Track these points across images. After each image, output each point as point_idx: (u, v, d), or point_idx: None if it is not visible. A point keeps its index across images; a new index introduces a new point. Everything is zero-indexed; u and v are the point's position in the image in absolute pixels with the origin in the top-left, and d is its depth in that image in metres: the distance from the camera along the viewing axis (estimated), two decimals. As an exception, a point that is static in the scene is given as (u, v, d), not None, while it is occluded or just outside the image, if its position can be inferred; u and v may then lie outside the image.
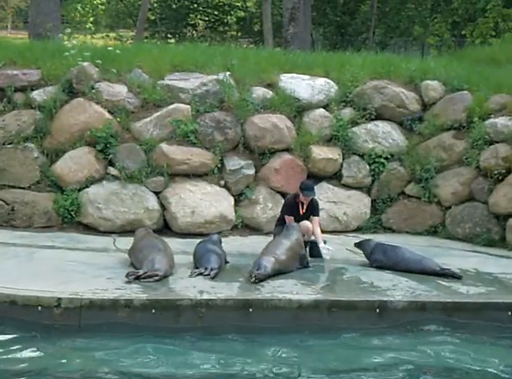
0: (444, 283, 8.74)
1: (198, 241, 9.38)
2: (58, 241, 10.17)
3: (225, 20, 30.04)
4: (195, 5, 29.30)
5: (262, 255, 8.85)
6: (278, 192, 11.47)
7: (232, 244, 10.39)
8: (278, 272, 8.68)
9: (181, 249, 9.66)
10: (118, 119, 11.18)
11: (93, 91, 11.26)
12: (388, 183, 11.90)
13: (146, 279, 8.17)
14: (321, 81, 12.25)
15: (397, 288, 8.45)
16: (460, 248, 10.88)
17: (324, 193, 11.61)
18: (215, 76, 11.73)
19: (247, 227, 11.35)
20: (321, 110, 12.03)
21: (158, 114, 11.29)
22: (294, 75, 12.31)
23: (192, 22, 29.62)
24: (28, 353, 6.90)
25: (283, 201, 10.64)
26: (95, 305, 7.54)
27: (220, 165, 11.34)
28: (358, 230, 11.77)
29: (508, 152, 11.12)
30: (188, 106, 11.35)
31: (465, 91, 12.19)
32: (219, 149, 11.27)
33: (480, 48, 19.11)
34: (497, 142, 11.32)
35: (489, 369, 6.97)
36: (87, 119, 11.07)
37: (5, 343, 7.09)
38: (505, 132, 11.29)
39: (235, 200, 11.34)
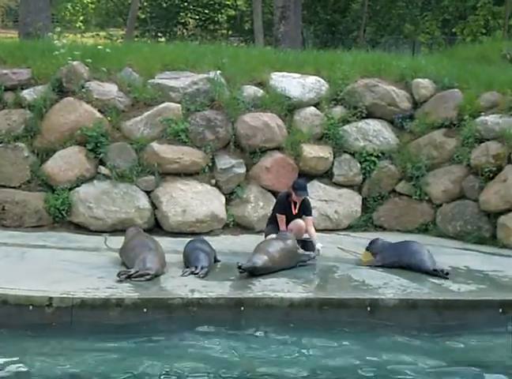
0: (435, 280, 8.75)
1: (189, 240, 9.39)
2: (49, 240, 10.14)
3: (216, 19, 30.03)
4: (185, 4, 29.29)
5: (256, 252, 8.86)
6: (269, 190, 11.47)
7: (224, 243, 10.39)
8: (269, 271, 8.69)
9: (172, 248, 9.64)
10: (109, 118, 11.16)
11: (83, 90, 11.23)
12: (379, 181, 11.92)
13: (137, 278, 8.16)
14: (311, 80, 12.26)
15: (389, 286, 8.46)
16: (451, 246, 10.90)
17: (315, 192, 11.61)
18: (205, 75, 11.71)
19: (238, 226, 11.35)
20: (312, 108, 12.03)
21: (149, 113, 11.27)
22: (285, 73, 12.31)
23: (182, 21, 29.60)
24: (19, 352, 6.88)
25: (274, 200, 10.65)
26: (86, 305, 7.53)
27: (211, 164, 11.34)
28: (349, 228, 11.79)
29: (499, 150, 11.15)
30: (179, 105, 11.34)
31: (456, 89, 12.21)
32: (210, 148, 11.27)
33: (470, 46, 19.16)
34: (488, 140, 11.35)
35: (480, 367, 7.00)
36: (77, 118, 11.04)
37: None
38: (495, 129, 11.31)
39: (226, 199, 11.34)
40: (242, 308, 7.72)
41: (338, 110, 12.11)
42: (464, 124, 11.64)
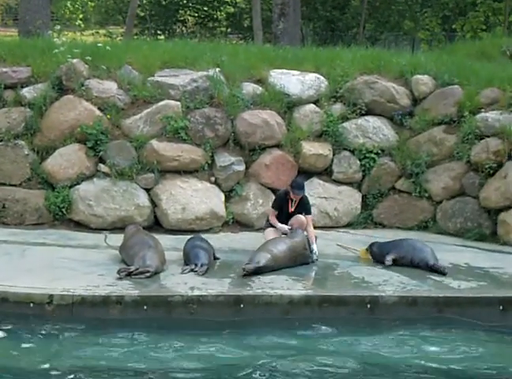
0: (435, 277, 8.76)
1: (188, 237, 9.40)
2: (50, 238, 10.15)
3: (215, 16, 29.98)
4: (185, 1, 29.24)
5: (259, 250, 8.87)
6: (269, 188, 11.46)
7: (223, 240, 10.40)
8: (272, 269, 8.70)
9: (172, 245, 9.65)
10: (109, 116, 11.15)
11: (83, 88, 11.23)
12: (379, 178, 11.90)
13: (137, 275, 8.19)
14: (311, 77, 12.24)
15: (388, 283, 8.47)
16: (451, 243, 10.89)
17: (314, 189, 11.61)
18: (205, 73, 11.70)
19: (238, 224, 11.35)
20: (312, 105, 12.02)
21: (148, 110, 11.27)
22: (284, 71, 12.29)
23: (182, 18, 29.57)
24: (19, 349, 6.89)
25: (274, 197, 10.65)
26: (86, 302, 7.55)
27: (210, 161, 11.34)
28: (349, 225, 11.77)
29: (499, 146, 11.14)
30: (178, 103, 11.33)
31: (456, 86, 12.19)
32: (209, 145, 11.26)
33: (470, 42, 19.12)
34: (488, 136, 11.33)
35: (479, 365, 7.01)
36: (77, 116, 11.04)
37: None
38: (496, 126, 11.30)
39: (226, 196, 11.33)
40: (242, 305, 7.73)
41: (338, 108, 12.10)
42: (464, 120, 11.63)
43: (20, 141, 11.05)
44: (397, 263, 9.18)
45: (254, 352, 7.04)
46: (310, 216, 9.89)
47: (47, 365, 6.58)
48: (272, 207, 10.02)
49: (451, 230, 11.39)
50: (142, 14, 28.26)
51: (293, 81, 12.07)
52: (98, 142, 10.96)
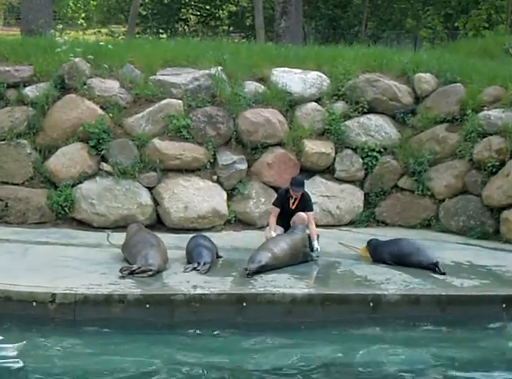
0: (438, 276, 8.74)
1: (191, 236, 9.40)
2: (52, 237, 10.16)
3: (217, 15, 30.00)
4: (186, 0, 29.27)
5: (259, 250, 8.87)
6: (271, 186, 11.46)
7: (225, 239, 10.40)
8: (274, 268, 8.70)
9: (174, 244, 9.66)
10: (111, 115, 11.16)
11: (85, 86, 11.23)
12: (381, 176, 11.89)
13: (140, 274, 8.19)
14: (313, 75, 12.24)
15: (391, 282, 8.46)
16: (453, 241, 10.89)
17: (317, 187, 11.61)
18: (207, 71, 11.70)
19: (240, 222, 11.35)
20: (314, 103, 12.01)
21: (150, 109, 11.27)
22: (286, 69, 12.29)
23: (184, 17, 29.59)
24: (22, 348, 6.90)
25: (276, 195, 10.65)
26: (89, 301, 7.56)
27: (212, 160, 11.33)
28: (351, 223, 11.76)
29: (501, 145, 11.12)
30: (180, 102, 11.33)
31: (458, 84, 12.18)
32: (211, 144, 11.26)
33: (472, 40, 19.11)
34: (490, 134, 11.31)
35: (481, 362, 7.01)
36: (79, 115, 11.05)
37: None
38: (498, 124, 11.28)
39: (228, 195, 11.33)
40: (244, 304, 7.73)
41: (340, 106, 12.09)
42: (467, 119, 11.61)
43: (23, 140, 11.06)
44: (393, 261, 9.18)
45: (254, 351, 7.04)
46: (311, 213, 9.88)
47: (49, 364, 6.59)
48: (274, 205, 10.02)
49: (454, 228, 11.38)
50: (144, 13, 28.28)
51: (295, 80, 12.07)
52: (100, 141, 10.96)
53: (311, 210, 9.91)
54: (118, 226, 10.67)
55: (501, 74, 12.21)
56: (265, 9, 23.65)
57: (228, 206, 11.24)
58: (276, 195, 10.67)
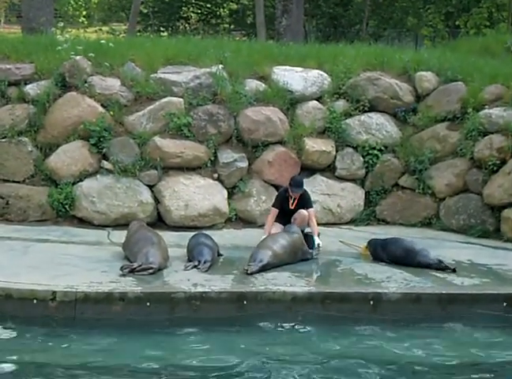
0: (439, 274, 8.75)
1: (192, 234, 9.40)
2: (53, 234, 10.17)
3: (218, 13, 29.98)
4: (187, -2, 29.28)
5: (259, 248, 8.86)
6: (272, 185, 11.46)
7: (226, 237, 10.40)
8: (275, 266, 8.70)
9: (175, 242, 9.66)
10: (112, 113, 11.16)
11: (86, 84, 11.24)
12: (382, 175, 11.89)
13: (140, 272, 8.19)
14: (314, 73, 12.23)
15: (392, 280, 8.46)
16: (454, 239, 10.88)
17: (317, 186, 11.61)
18: (208, 69, 11.70)
19: (241, 220, 11.35)
20: (315, 102, 12.01)
21: (151, 107, 11.27)
22: (287, 67, 12.29)
23: (185, 15, 29.57)
24: (23, 346, 6.90)
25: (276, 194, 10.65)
26: (89, 299, 7.56)
27: (213, 158, 11.34)
28: (352, 222, 11.76)
29: (502, 143, 11.11)
30: (181, 100, 11.33)
31: (459, 82, 12.17)
32: (212, 142, 11.26)
33: (474, 38, 19.08)
34: (491, 133, 11.31)
35: (483, 361, 7.00)
36: (80, 113, 11.05)
37: (0, 336, 7.10)
38: (499, 122, 11.28)
39: (229, 193, 11.34)
40: (245, 302, 7.73)
41: (341, 104, 12.09)
42: (468, 117, 11.61)
43: (24, 138, 11.07)
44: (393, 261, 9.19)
45: (256, 349, 7.05)
46: (312, 210, 9.89)
47: (49, 362, 6.59)
48: (273, 206, 10.02)
49: (454, 226, 11.38)
50: (145, 11, 28.27)
51: (296, 78, 12.06)
52: (101, 139, 10.96)
53: (311, 207, 9.92)
54: (119, 224, 10.68)
55: (502, 72, 12.20)
56: (266, 7, 23.64)
57: (229, 204, 11.25)
58: (276, 193, 10.67)
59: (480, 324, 7.87)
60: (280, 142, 11.64)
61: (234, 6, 30.34)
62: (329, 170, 11.94)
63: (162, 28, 28.22)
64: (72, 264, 8.59)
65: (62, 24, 16.16)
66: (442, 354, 7.13)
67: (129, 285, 7.83)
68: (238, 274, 8.43)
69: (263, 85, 11.87)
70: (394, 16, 27.98)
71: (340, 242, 10.26)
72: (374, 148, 11.90)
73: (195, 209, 10.94)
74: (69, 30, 19.99)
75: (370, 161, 11.88)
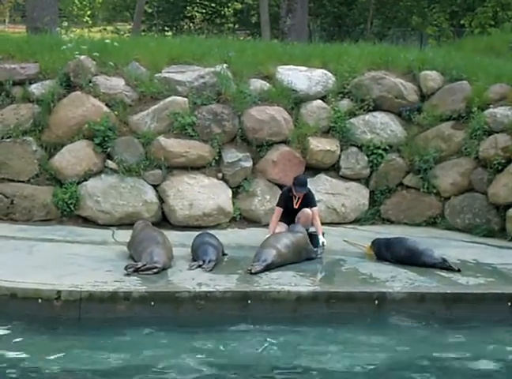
0: (444, 274, 8.73)
1: (196, 233, 9.41)
2: (58, 234, 10.18)
3: (222, 13, 30.01)
4: (192, -2, 29.30)
5: (263, 247, 8.86)
6: (276, 184, 11.45)
7: (230, 236, 10.40)
8: (279, 265, 8.70)
9: (179, 241, 9.66)
10: (116, 112, 11.16)
11: (91, 84, 11.24)
12: (386, 174, 11.87)
13: (145, 271, 8.19)
14: (318, 73, 12.22)
15: (396, 279, 8.46)
16: (459, 239, 10.86)
17: (322, 185, 11.60)
18: (212, 69, 11.69)
19: (245, 220, 11.35)
20: (319, 101, 11.99)
21: (155, 106, 11.27)
22: (291, 67, 12.27)
23: (189, 14, 29.60)
24: (27, 345, 6.91)
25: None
26: (94, 298, 7.56)
27: (217, 157, 11.34)
28: (356, 221, 11.74)
29: (508, 142, 11.09)
30: (185, 99, 11.33)
31: (464, 81, 12.15)
32: (216, 142, 11.26)
33: (478, 38, 19.06)
34: (496, 132, 11.29)
35: (487, 361, 6.99)
36: (84, 113, 11.06)
37: (6, 335, 7.10)
38: (504, 122, 11.25)
39: (233, 192, 11.33)
40: (249, 301, 7.73)
41: (345, 103, 12.07)
42: (473, 116, 11.59)
43: (29, 138, 11.08)
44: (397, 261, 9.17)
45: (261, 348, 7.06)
46: (315, 208, 9.90)
47: (54, 361, 6.59)
48: (277, 205, 10.01)
49: (459, 226, 11.36)
50: (150, 11, 28.29)
51: (300, 77, 12.05)
52: (105, 138, 10.97)
53: (315, 206, 9.92)
54: (124, 223, 10.68)
55: (507, 72, 12.18)
56: (271, 7, 23.66)
57: (233, 204, 11.24)
58: (281, 193, 10.67)
59: (484, 324, 7.85)
60: (285, 141, 11.63)
61: (238, 6, 30.35)
62: (333, 169, 11.92)
63: (166, 28, 28.26)
64: (77, 263, 8.60)
65: (66, 24, 16.19)
66: (445, 353, 7.11)
67: (134, 284, 7.84)
68: (242, 273, 8.43)
69: (267, 85, 11.86)
70: (399, 16, 27.96)
71: (345, 241, 10.25)
72: (378, 148, 11.88)
73: (199, 209, 10.93)
74: (74, 29, 20.05)
75: (375, 160, 11.87)
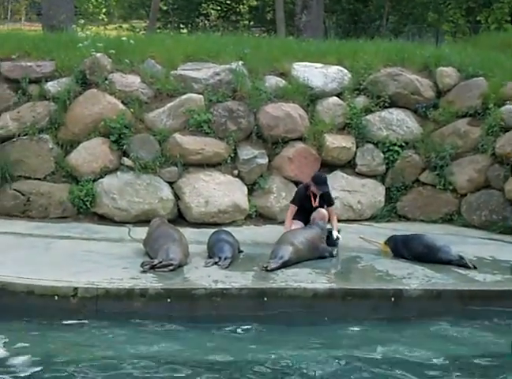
0: (460, 271, 8.70)
1: (212, 231, 9.42)
2: (74, 231, 10.21)
3: (237, 10, 29.96)
4: (207, -5, 29.27)
5: (280, 243, 8.85)
6: (292, 181, 11.44)
7: (246, 233, 10.39)
8: (295, 262, 8.69)
9: (195, 238, 9.67)
10: (132, 110, 11.19)
11: (106, 82, 11.27)
12: (402, 171, 11.84)
13: (161, 268, 8.21)
14: (334, 69, 12.19)
15: (413, 277, 8.43)
16: (476, 236, 10.82)
17: (338, 182, 11.57)
18: (228, 66, 11.70)
19: (261, 217, 11.34)
20: (335, 98, 11.96)
21: (171, 104, 11.29)
22: (307, 63, 12.25)
23: (204, 12, 29.57)
24: (44, 343, 6.94)
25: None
26: (110, 295, 7.59)
27: (233, 155, 11.34)
28: (372, 218, 11.71)
29: (524, 139, 11.05)
30: (201, 96, 11.34)
31: (480, 78, 12.09)
32: (232, 139, 11.26)
33: (495, 34, 18.94)
34: (513, 129, 11.25)
35: (505, 359, 6.95)
36: (101, 110, 11.09)
37: (23, 332, 7.14)
38: (521, 118, 11.21)
39: (249, 189, 11.33)
40: (265, 298, 7.73)
41: (361, 100, 12.04)
42: (489, 113, 11.53)
43: (45, 135, 11.12)
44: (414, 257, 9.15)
45: (276, 346, 7.05)
46: (332, 207, 9.92)
47: (70, 358, 6.62)
48: (292, 202, 10.00)
49: (476, 222, 11.31)
50: (165, 8, 28.29)
51: (316, 74, 12.03)
52: (121, 136, 11.00)
53: (333, 204, 9.94)
54: (140, 220, 10.71)
55: (524, 68, 12.11)
56: (286, 4, 23.59)
57: (249, 201, 11.24)
58: (296, 190, 10.65)
59: (502, 321, 7.82)
60: (300, 138, 11.62)
61: (253, 3, 30.29)
62: (349, 166, 11.89)
63: (182, 25, 28.23)
64: (93, 260, 8.63)
65: (82, 22, 16.24)
66: (461, 351, 7.09)
67: (150, 281, 7.86)
68: (258, 270, 8.43)
69: (283, 81, 11.84)
70: (415, 12, 27.80)
71: (361, 238, 10.23)
72: (394, 144, 11.84)
73: (215, 206, 10.94)
74: (90, 27, 20.12)
75: (391, 157, 11.83)
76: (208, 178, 11.12)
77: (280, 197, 11.32)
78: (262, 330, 7.42)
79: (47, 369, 6.37)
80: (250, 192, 11.34)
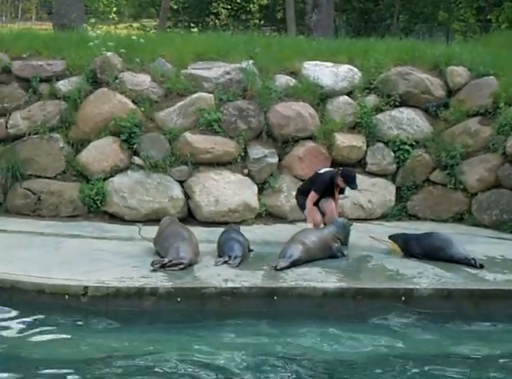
0: (470, 270, 8.67)
1: (222, 229, 9.42)
2: (84, 230, 10.24)
3: (248, 9, 30.00)
4: (217, -6, 29.31)
5: (290, 243, 8.85)
6: (302, 180, 11.42)
7: (256, 232, 10.39)
8: (306, 261, 8.68)
9: (205, 237, 9.68)
10: (142, 109, 11.20)
11: (117, 80, 11.29)
12: (413, 170, 11.81)
13: (171, 267, 8.21)
14: (344, 68, 12.18)
15: (423, 276, 8.41)
16: (486, 235, 10.79)
17: (348, 181, 11.56)
18: (238, 65, 11.70)
19: (271, 216, 11.35)
20: (345, 97, 11.95)
21: (181, 103, 11.30)
22: (317, 62, 12.24)
23: (214, 11, 29.62)
24: (55, 341, 6.97)
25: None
26: (121, 294, 7.60)
27: (243, 154, 11.34)
28: (382, 217, 11.70)
29: (535, 138, 11.01)
30: (211, 95, 11.35)
31: (491, 77, 12.05)
32: (242, 138, 11.26)
33: (505, 33, 18.90)
34: (524, 128, 11.21)
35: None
36: (111, 109, 11.11)
37: (33, 331, 7.17)
38: (532, 117, 11.18)
39: (259, 188, 11.33)
40: (275, 297, 7.73)
41: (371, 99, 12.02)
42: (500, 112, 11.50)
43: (55, 134, 11.16)
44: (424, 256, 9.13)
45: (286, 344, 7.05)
46: (340, 196, 10.26)
47: (81, 356, 6.63)
48: (316, 191, 9.90)
49: (486, 222, 11.28)
50: (175, 7, 28.34)
51: (326, 73, 12.02)
52: (132, 135, 11.02)
53: (343, 193, 10.26)
54: (150, 219, 10.73)
55: (535, 67, 12.07)
56: (296, 3, 23.60)
57: (259, 200, 11.25)
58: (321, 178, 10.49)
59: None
60: (311, 137, 11.62)
61: (264, 1, 30.31)
62: (359, 165, 11.88)
63: (192, 24, 28.29)
64: (103, 259, 8.65)
65: (93, 21, 16.25)
66: (472, 350, 7.06)
67: (160, 280, 7.87)
68: (268, 269, 8.43)
69: (293, 80, 11.84)
70: (425, 11, 27.77)
71: (371, 237, 10.21)
72: (405, 143, 11.82)
73: (225, 205, 10.95)
74: (100, 26, 20.13)
75: (401, 156, 11.81)
76: (218, 177, 11.12)
77: (290, 196, 11.30)
78: (272, 328, 7.42)
79: (56, 367, 6.39)
80: (260, 191, 11.34)
